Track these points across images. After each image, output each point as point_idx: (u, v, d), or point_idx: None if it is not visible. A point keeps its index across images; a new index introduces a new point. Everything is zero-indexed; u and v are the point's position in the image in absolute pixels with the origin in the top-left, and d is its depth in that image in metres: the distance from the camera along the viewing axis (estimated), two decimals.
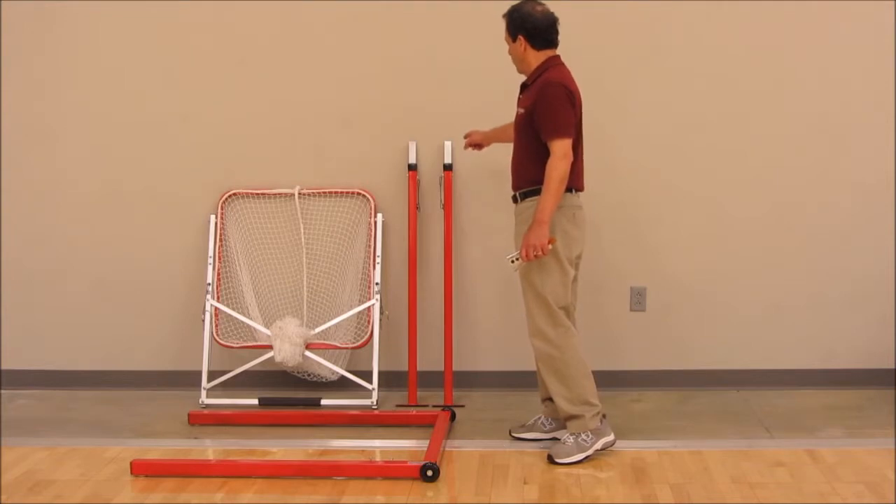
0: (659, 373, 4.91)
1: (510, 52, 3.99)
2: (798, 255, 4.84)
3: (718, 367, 4.90)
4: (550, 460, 3.91)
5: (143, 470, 3.86)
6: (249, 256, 4.92)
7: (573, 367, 3.94)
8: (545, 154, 3.83)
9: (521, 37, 3.90)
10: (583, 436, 3.94)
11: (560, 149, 3.79)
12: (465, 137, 4.49)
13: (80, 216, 5.00)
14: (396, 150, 4.84)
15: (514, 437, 4.21)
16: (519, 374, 4.74)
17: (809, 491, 3.61)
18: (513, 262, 3.87)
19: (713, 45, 4.74)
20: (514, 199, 4.03)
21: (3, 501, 3.65)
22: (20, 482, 3.83)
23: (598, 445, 3.96)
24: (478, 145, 4.49)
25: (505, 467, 3.90)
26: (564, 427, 4.05)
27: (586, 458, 3.92)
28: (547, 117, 3.82)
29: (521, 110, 3.94)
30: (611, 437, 4.00)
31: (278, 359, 4.70)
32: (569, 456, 3.90)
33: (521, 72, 4.01)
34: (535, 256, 3.79)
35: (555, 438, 4.10)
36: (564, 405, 3.96)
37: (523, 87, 4.02)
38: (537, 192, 3.86)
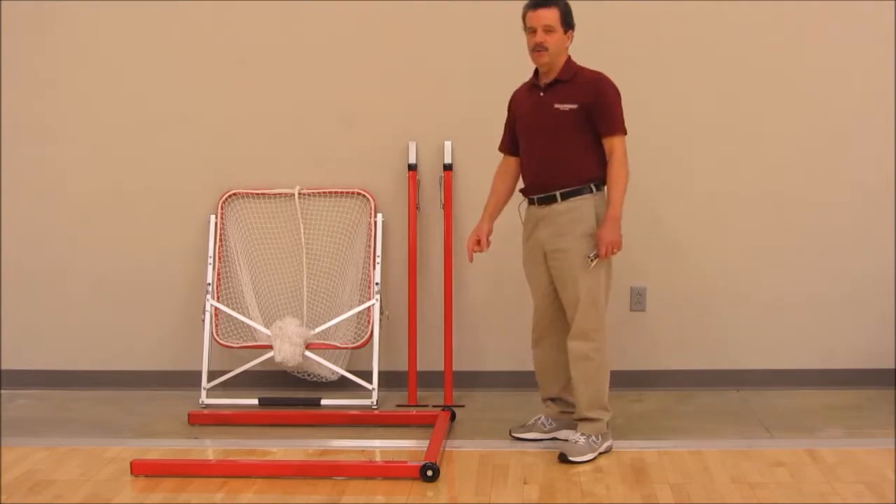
0: (659, 373, 4.90)
1: (551, 42, 3.82)
2: (798, 255, 4.84)
3: (718, 367, 4.90)
4: (563, 459, 3.91)
5: (143, 470, 3.86)
6: (249, 256, 4.92)
7: (603, 372, 3.98)
8: (596, 150, 3.87)
9: (571, 31, 3.90)
10: (593, 437, 3.96)
11: (623, 144, 3.87)
12: (475, 245, 4.12)
13: (80, 216, 5.00)
14: (396, 150, 4.84)
15: (514, 437, 4.20)
16: (519, 374, 4.74)
17: (809, 491, 3.61)
18: (591, 259, 3.85)
19: (712, 45, 4.74)
20: (549, 200, 3.93)
21: (3, 501, 3.65)
22: (20, 482, 3.83)
23: (603, 448, 3.98)
24: (487, 239, 4.15)
25: (505, 467, 3.90)
26: (566, 427, 4.09)
27: (596, 457, 3.95)
28: (612, 113, 3.86)
29: (572, 106, 3.86)
30: (611, 442, 4.03)
31: (278, 359, 4.70)
32: (581, 455, 3.91)
33: (545, 63, 3.87)
34: (612, 253, 3.85)
35: (555, 438, 4.11)
36: (584, 407, 3.98)
37: (552, 83, 3.91)
38: (586, 191, 3.88)
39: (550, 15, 3.84)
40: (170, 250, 4.97)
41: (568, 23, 3.88)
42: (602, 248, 3.82)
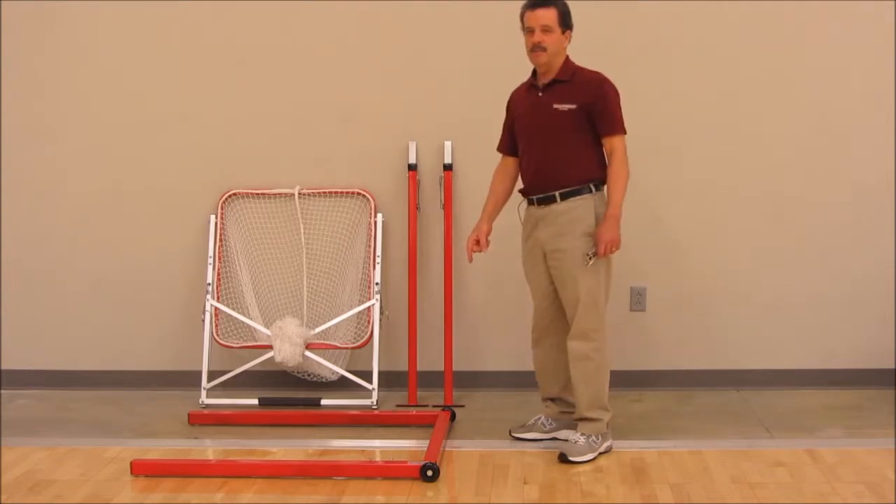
0: (659, 373, 4.90)
1: (549, 42, 3.82)
2: (798, 255, 4.84)
3: (718, 367, 4.90)
4: (563, 459, 3.91)
5: (143, 470, 3.86)
6: (249, 256, 4.92)
7: (603, 372, 3.99)
8: (595, 150, 3.89)
9: (569, 31, 3.90)
10: (593, 437, 3.97)
11: (623, 144, 3.88)
12: (474, 245, 4.11)
13: (80, 216, 5.00)
14: (396, 150, 4.84)
15: (514, 437, 4.20)
16: (519, 374, 4.74)
17: (809, 491, 3.61)
18: (590, 258, 3.86)
19: (712, 45, 4.74)
20: (548, 200, 3.92)
21: (3, 501, 3.65)
22: (20, 482, 3.83)
23: (603, 448, 3.98)
24: (486, 239, 4.15)
25: (505, 467, 3.90)
26: (566, 427, 4.09)
27: (596, 457, 3.95)
28: (613, 113, 3.87)
29: (571, 106, 3.86)
30: (610, 442, 4.03)
31: (278, 359, 4.70)
32: (581, 455, 3.91)
33: (543, 63, 3.87)
34: (611, 252, 3.85)
35: (555, 438, 4.11)
36: (583, 407, 3.98)
37: (550, 83, 3.91)
38: (585, 191, 3.89)
39: (548, 15, 3.84)
40: (170, 250, 4.97)
41: (566, 23, 3.88)
42: (601, 246, 3.83)
